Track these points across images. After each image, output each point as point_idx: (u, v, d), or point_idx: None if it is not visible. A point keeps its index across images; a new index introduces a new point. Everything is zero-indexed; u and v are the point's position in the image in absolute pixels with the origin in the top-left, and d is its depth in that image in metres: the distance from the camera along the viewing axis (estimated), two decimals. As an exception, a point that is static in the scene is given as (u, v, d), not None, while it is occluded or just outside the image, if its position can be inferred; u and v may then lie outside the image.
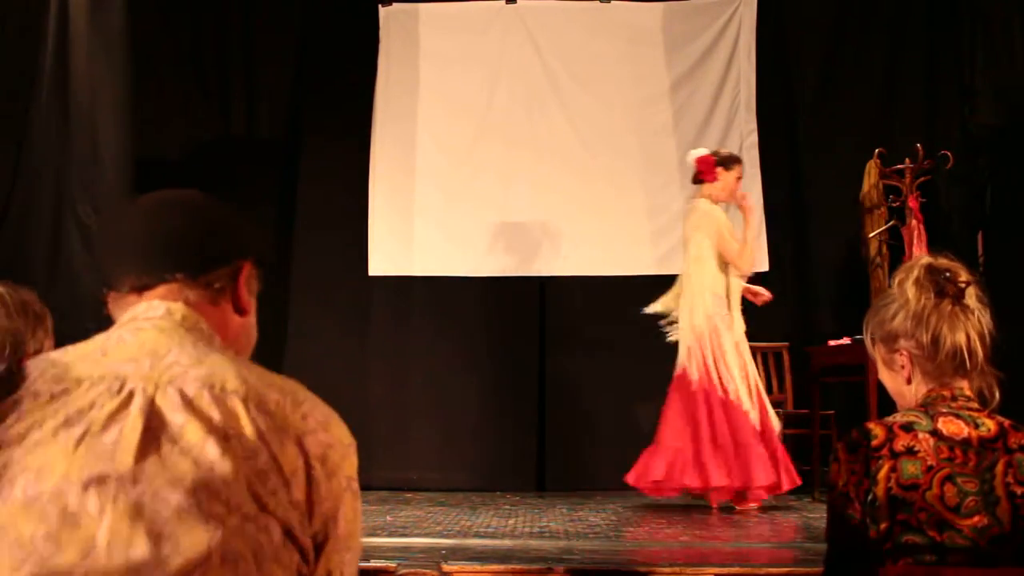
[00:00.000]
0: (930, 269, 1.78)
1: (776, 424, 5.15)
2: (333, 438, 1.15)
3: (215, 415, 1.07)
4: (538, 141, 6.62)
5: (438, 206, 6.59)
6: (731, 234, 5.24)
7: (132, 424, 1.05)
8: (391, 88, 6.68)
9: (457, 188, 6.59)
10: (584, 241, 6.55)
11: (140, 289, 1.22)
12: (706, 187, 5.31)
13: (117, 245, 1.25)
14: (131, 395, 1.07)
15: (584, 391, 6.47)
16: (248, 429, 1.07)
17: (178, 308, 1.20)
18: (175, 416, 1.06)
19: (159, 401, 1.07)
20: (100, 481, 1.02)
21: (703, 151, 5.43)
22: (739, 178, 5.35)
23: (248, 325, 1.30)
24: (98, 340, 1.16)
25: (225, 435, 1.06)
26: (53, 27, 4.97)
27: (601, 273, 6.52)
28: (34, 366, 1.13)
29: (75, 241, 5.16)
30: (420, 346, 6.56)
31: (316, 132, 6.74)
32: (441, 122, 6.67)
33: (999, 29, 6.32)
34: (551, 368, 6.55)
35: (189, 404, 1.07)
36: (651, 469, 5.11)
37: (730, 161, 5.34)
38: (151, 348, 1.13)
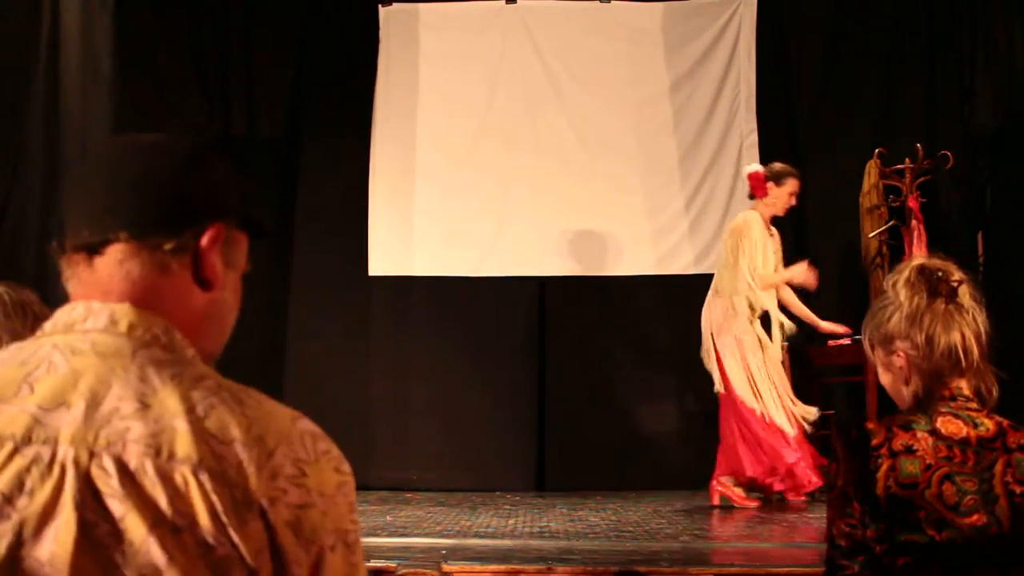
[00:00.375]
0: (921, 269, 1.78)
1: (788, 428, 5.15)
2: (310, 493, 0.94)
3: (161, 499, 0.88)
4: (538, 141, 6.61)
5: (438, 206, 6.59)
6: (754, 250, 5.23)
7: (66, 526, 0.88)
8: (391, 88, 6.68)
9: (457, 188, 6.59)
10: (584, 241, 6.55)
11: (88, 250, 1.01)
12: (759, 201, 5.33)
13: (72, 195, 1.04)
14: (63, 472, 0.89)
15: (584, 391, 6.46)
16: (202, 515, 0.89)
17: (124, 313, 0.99)
18: (114, 504, 0.88)
19: (96, 479, 0.89)
20: None
21: (756, 167, 5.45)
22: (793, 193, 5.32)
23: (218, 303, 1.07)
24: (24, 358, 0.97)
25: (174, 527, 0.88)
26: (45, 34, 4.96)
27: (601, 273, 6.52)
28: None
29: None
30: (420, 346, 6.56)
31: (316, 132, 6.74)
32: (441, 122, 6.66)
33: (999, 29, 6.32)
34: (551, 368, 6.55)
35: (130, 482, 0.89)
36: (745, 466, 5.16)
37: (781, 176, 5.31)
38: (88, 385, 0.93)
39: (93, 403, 0.92)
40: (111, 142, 1.10)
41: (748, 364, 5.19)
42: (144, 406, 0.92)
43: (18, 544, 0.88)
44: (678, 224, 6.57)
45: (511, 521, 4.67)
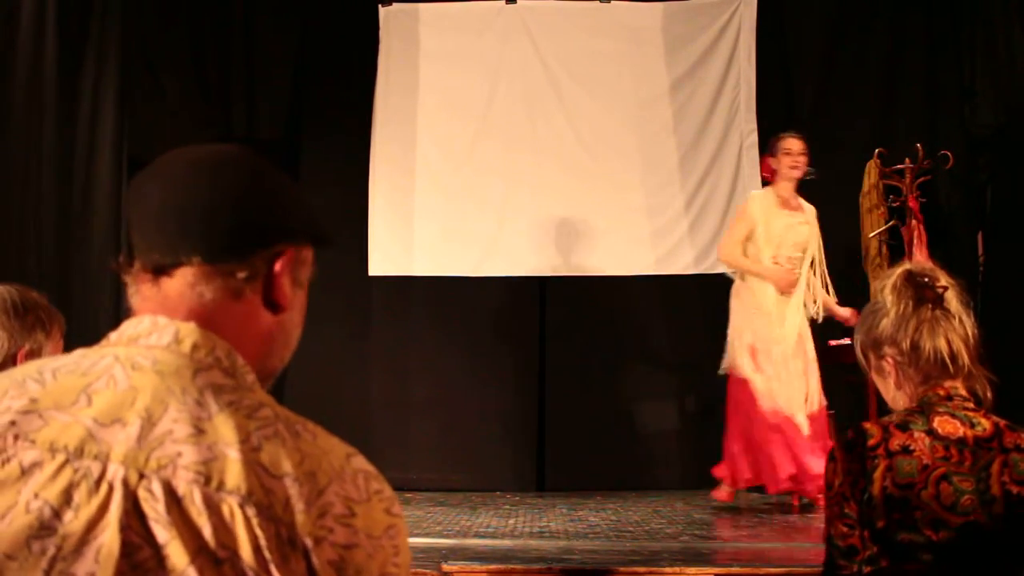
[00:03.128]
0: (908, 275, 1.79)
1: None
2: (357, 534, 0.92)
3: (206, 528, 0.88)
4: (538, 141, 6.61)
5: (438, 206, 6.58)
6: (736, 224, 5.20)
7: (108, 548, 0.87)
8: (391, 88, 6.68)
9: (457, 188, 6.59)
10: (584, 241, 6.55)
11: (157, 271, 1.01)
12: (775, 182, 5.23)
13: (140, 211, 1.04)
14: (111, 491, 0.89)
15: (584, 391, 6.46)
16: (245, 549, 0.88)
17: (189, 333, 0.98)
18: (158, 529, 0.88)
19: (143, 502, 0.89)
20: None
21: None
22: (787, 152, 5.13)
23: (285, 324, 1.07)
24: (86, 368, 0.96)
25: (215, 558, 0.88)
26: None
27: (601, 273, 6.52)
28: (7, 405, 0.93)
29: (69, 243, 5.17)
30: (420, 346, 6.56)
31: (316, 132, 6.74)
32: (441, 122, 6.66)
33: (999, 29, 6.32)
34: (551, 368, 6.55)
35: (176, 508, 0.88)
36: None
37: (773, 146, 5.23)
38: (145, 405, 0.92)
39: (148, 423, 0.91)
40: (177, 159, 1.06)
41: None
42: (199, 431, 0.91)
43: (58, 559, 0.88)
44: (678, 224, 6.57)
45: (511, 521, 4.67)
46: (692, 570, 3.14)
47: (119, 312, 5.40)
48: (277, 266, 1.03)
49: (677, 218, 6.57)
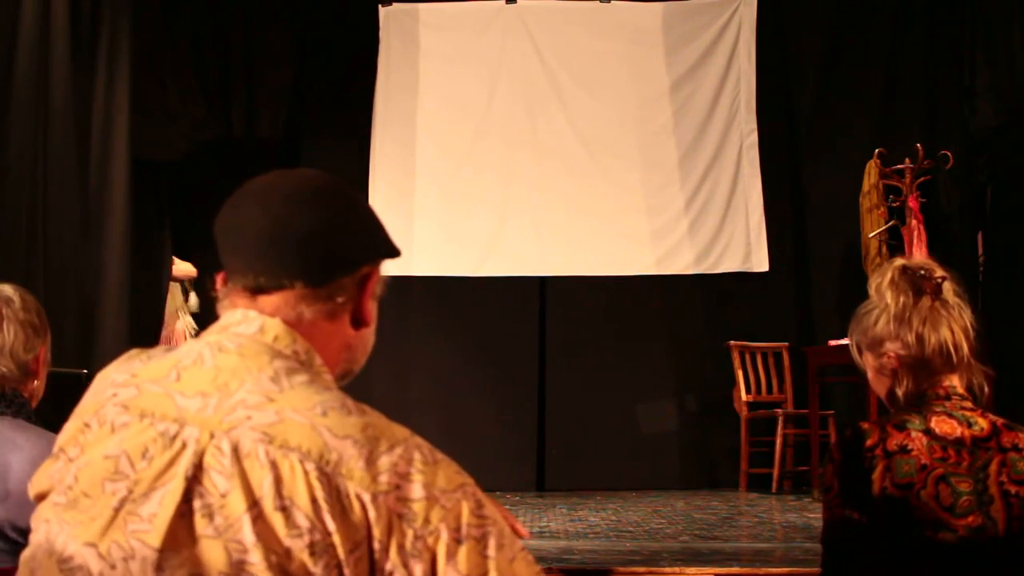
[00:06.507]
0: (904, 269, 1.78)
1: None
2: (426, 488, 0.99)
3: (265, 481, 0.95)
4: (538, 141, 6.61)
5: (438, 206, 6.58)
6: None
7: (172, 493, 0.96)
8: (391, 88, 6.68)
9: (457, 188, 6.59)
10: (584, 241, 6.55)
11: (255, 291, 1.09)
12: None
13: (237, 238, 1.11)
14: (183, 447, 0.98)
15: (584, 391, 6.46)
16: (302, 499, 0.94)
17: (273, 327, 1.07)
18: (219, 481, 0.96)
19: (208, 459, 0.97)
20: (127, 559, 0.95)
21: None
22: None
23: (366, 336, 1.17)
24: (181, 352, 1.06)
25: (271, 506, 0.94)
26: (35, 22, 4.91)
27: (601, 273, 6.52)
28: (113, 379, 1.07)
29: (69, 242, 5.16)
30: (420, 346, 6.55)
31: (316, 132, 6.74)
32: (441, 122, 6.66)
33: (999, 29, 6.32)
34: (551, 368, 6.55)
35: (239, 464, 0.96)
36: None
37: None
38: (224, 380, 1.01)
39: (225, 394, 1.01)
40: (271, 189, 1.13)
41: None
42: (269, 400, 1.00)
43: (125, 501, 0.98)
44: (678, 224, 6.57)
45: (511, 521, 4.66)
46: (692, 570, 3.14)
47: (130, 313, 5.40)
48: (368, 288, 1.15)
49: (677, 218, 6.57)
